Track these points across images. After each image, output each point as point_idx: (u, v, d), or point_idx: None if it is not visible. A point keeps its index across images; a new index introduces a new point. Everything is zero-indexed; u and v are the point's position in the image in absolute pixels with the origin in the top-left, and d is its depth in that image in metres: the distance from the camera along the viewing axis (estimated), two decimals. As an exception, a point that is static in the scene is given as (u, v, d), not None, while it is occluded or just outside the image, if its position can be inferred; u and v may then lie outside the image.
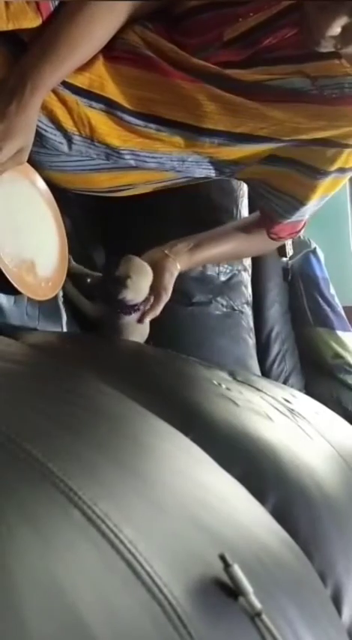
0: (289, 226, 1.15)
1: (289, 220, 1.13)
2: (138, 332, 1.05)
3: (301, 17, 0.87)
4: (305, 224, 1.19)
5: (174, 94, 0.93)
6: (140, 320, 1.03)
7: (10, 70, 0.82)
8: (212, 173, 1.06)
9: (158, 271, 1.05)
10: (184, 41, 0.92)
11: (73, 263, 1.01)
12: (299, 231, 1.21)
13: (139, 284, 0.99)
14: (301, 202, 1.09)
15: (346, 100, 0.95)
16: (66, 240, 0.96)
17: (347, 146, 1.01)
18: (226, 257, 1.21)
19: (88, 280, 1.03)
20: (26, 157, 0.84)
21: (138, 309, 1.01)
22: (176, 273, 1.09)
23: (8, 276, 0.82)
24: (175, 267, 1.09)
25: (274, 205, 1.11)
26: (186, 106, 0.94)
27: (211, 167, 1.04)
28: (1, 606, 0.28)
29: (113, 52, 0.91)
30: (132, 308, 1.00)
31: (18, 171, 0.89)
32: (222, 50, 0.92)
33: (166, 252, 1.10)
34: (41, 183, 0.93)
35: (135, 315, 1.02)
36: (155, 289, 1.04)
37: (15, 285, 0.83)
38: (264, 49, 0.91)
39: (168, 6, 0.94)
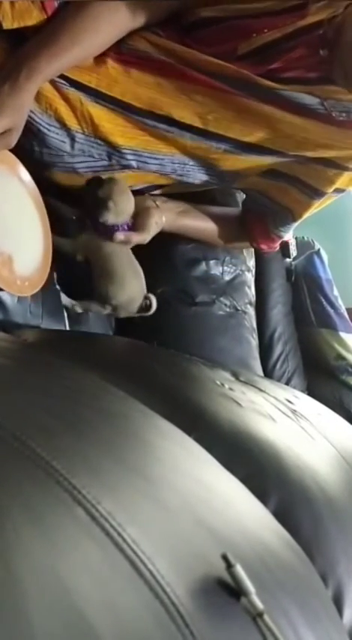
0: (272, 239, 1.18)
1: (276, 232, 1.15)
2: (126, 262, 1.02)
3: (335, 65, 0.89)
4: (280, 244, 1.22)
5: (186, 97, 0.93)
6: (124, 242, 1.00)
7: (9, 58, 0.81)
8: (211, 179, 1.06)
9: (144, 215, 1.03)
10: (197, 49, 0.92)
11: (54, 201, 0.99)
12: (276, 248, 1.24)
13: (121, 206, 0.96)
14: (294, 218, 1.11)
15: None
16: (51, 244, 0.94)
17: (347, 169, 1.02)
18: (203, 236, 1.19)
19: (74, 218, 1.01)
20: (14, 141, 0.82)
21: (119, 230, 0.99)
22: (160, 225, 1.07)
23: None
24: (161, 219, 1.07)
25: (270, 215, 1.12)
26: (198, 110, 0.94)
27: (211, 174, 1.04)
28: (6, 604, 0.28)
29: (122, 56, 0.91)
30: (112, 229, 0.98)
31: (9, 168, 0.88)
32: (235, 63, 0.92)
33: (157, 203, 1.08)
34: (31, 183, 0.92)
35: (118, 240, 0.99)
36: (137, 227, 1.02)
37: None
38: (276, 69, 0.92)
39: (180, 15, 0.93)
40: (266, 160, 1.01)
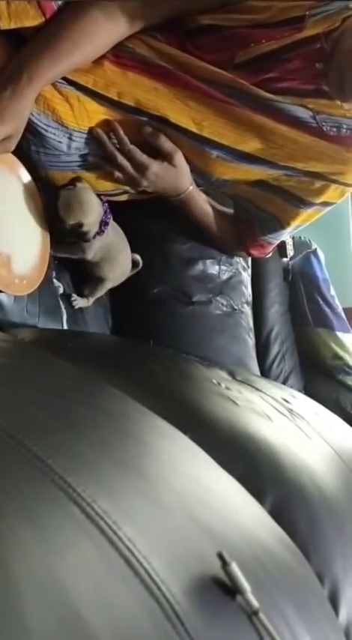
0: (261, 245, 1.18)
1: (265, 239, 1.15)
2: (116, 242, 1.03)
3: (331, 76, 0.90)
4: (272, 250, 1.22)
5: (181, 103, 0.93)
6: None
7: (10, 60, 0.81)
8: (200, 182, 1.07)
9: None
10: (196, 55, 0.93)
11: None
12: (267, 254, 1.23)
13: (92, 219, 0.95)
14: (282, 225, 1.12)
15: (342, 140, 0.98)
16: (49, 240, 0.94)
17: (335, 182, 1.04)
18: (205, 224, 1.18)
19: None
20: (13, 146, 0.83)
21: (106, 223, 0.98)
22: (189, 180, 1.04)
23: None
24: (191, 179, 1.05)
25: (256, 221, 1.13)
26: (193, 116, 0.94)
27: (202, 178, 1.05)
28: (2, 603, 0.28)
29: (121, 58, 0.91)
30: (99, 232, 0.98)
31: (8, 168, 0.88)
32: (232, 72, 0.92)
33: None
34: (31, 183, 0.92)
35: (107, 231, 0.99)
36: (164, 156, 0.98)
37: None
38: (273, 78, 0.92)
39: (180, 21, 0.94)
40: (257, 170, 1.02)
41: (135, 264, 1.10)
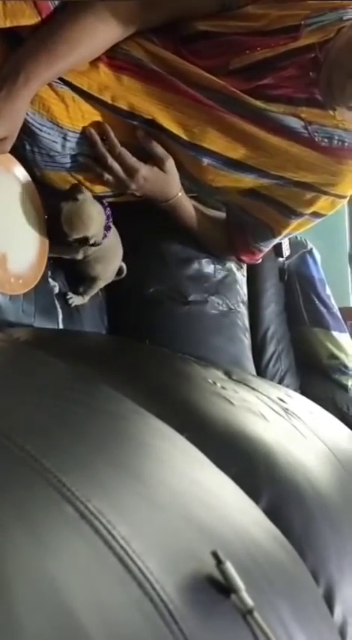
0: (252, 251, 1.18)
1: (256, 245, 1.16)
2: (111, 245, 1.03)
3: (321, 77, 0.90)
4: (262, 256, 1.22)
5: (173, 108, 0.94)
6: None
7: (5, 60, 0.81)
8: (193, 189, 1.07)
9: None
10: (191, 60, 0.93)
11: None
12: (257, 260, 1.24)
13: (96, 231, 0.94)
14: (274, 234, 1.12)
15: (333, 151, 0.98)
16: (46, 240, 0.94)
17: (325, 193, 1.04)
18: (194, 229, 1.18)
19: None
20: (8, 147, 0.82)
21: (109, 227, 0.99)
22: (178, 186, 1.04)
23: None
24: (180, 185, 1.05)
25: (248, 228, 1.13)
26: (185, 122, 0.95)
27: (194, 184, 1.05)
28: (-7, 601, 0.28)
29: (115, 60, 0.91)
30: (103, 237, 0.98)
31: (5, 167, 0.88)
32: (226, 78, 0.93)
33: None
34: (28, 181, 0.92)
35: (109, 235, 1.00)
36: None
37: None
38: (266, 85, 0.93)
39: (177, 26, 0.94)
40: (248, 179, 1.02)
41: (119, 271, 1.09)
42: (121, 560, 0.35)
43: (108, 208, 0.99)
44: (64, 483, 0.38)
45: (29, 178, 0.92)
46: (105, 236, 0.98)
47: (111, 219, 1.00)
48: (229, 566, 0.37)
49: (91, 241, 0.94)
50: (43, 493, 0.37)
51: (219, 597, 0.37)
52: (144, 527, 0.39)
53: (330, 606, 0.54)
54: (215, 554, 0.38)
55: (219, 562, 0.38)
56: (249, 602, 0.37)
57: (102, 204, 0.98)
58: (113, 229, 1.03)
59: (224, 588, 0.37)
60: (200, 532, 0.42)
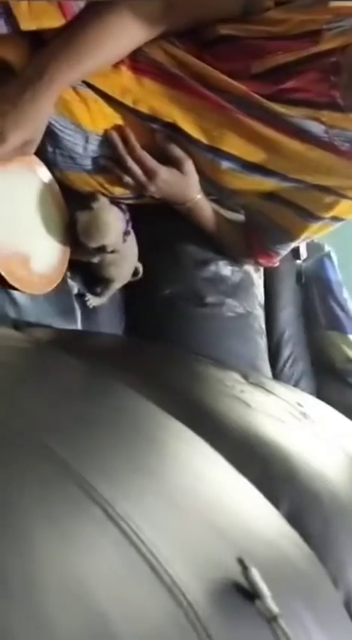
0: (269, 255, 1.18)
1: (273, 249, 1.16)
2: (129, 247, 1.03)
3: (342, 81, 0.90)
4: (279, 259, 1.22)
5: (194, 112, 0.94)
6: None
7: (29, 61, 0.82)
8: (212, 192, 1.07)
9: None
10: (213, 64, 0.93)
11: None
12: (275, 263, 1.24)
13: (113, 239, 0.94)
14: (291, 238, 1.12)
15: None
16: (67, 240, 0.94)
17: (345, 197, 1.03)
18: (214, 231, 1.19)
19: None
20: (32, 150, 0.83)
21: (128, 232, 0.99)
22: (197, 188, 1.05)
23: None
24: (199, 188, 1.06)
25: (266, 232, 1.13)
26: (205, 126, 0.95)
27: (213, 187, 1.05)
28: (27, 603, 0.28)
29: (138, 64, 0.92)
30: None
31: (29, 168, 0.89)
32: (248, 82, 0.93)
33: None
34: (52, 182, 0.93)
35: (128, 240, 1.00)
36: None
37: (0, 272, 0.81)
38: (288, 89, 0.93)
39: (199, 29, 0.94)
40: (267, 182, 1.02)
41: (135, 272, 1.09)
42: (149, 563, 0.35)
43: (127, 213, 0.99)
44: (90, 484, 0.39)
45: (53, 180, 0.92)
46: (124, 241, 0.98)
47: (130, 224, 1.00)
48: (254, 573, 0.38)
49: (109, 249, 0.94)
50: (70, 494, 0.38)
51: (244, 603, 0.37)
52: (169, 531, 0.39)
53: (350, 613, 0.54)
54: (240, 561, 0.38)
55: (244, 568, 0.38)
56: (274, 608, 0.37)
57: (120, 208, 0.98)
58: (132, 239, 1.03)
59: (249, 594, 0.37)
60: (224, 537, 0.43)
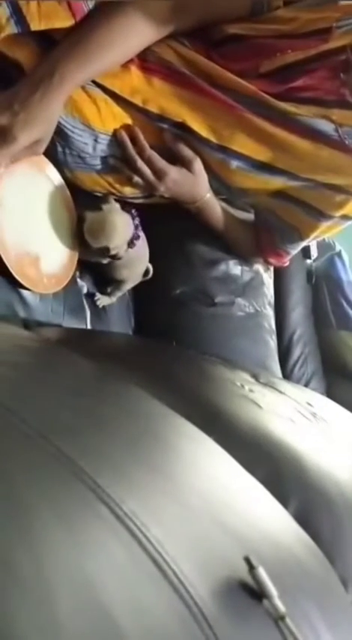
0: (279, 254, 1.18)
1: (283, 248, 1.16)
2: (140, 250, 1.04)
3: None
4: (289, 259, 1.22)
5: (203, 112, 0.94)
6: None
7: (40, 62, 0.82)
8: (221, 191, 1.07)
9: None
10: (222, 63, 0.93)
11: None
12: (285, 263, 1.23)
13: (118, 242, 0.94)
14: (301, 237, 1.12)
15: None
16: (77, 240, 0.95)
17: None
18: (223, 230, 1.19)
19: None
20: (42, 150, 0.84)
21: (138, 237, 0.99)
22: (206, 187, 1.05)
23: (6, 262, 0.81)
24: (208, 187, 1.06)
25: (276, 231, 1.13)
26: (214, 125, 0.95)
27: (222, 187, 1.05)
28: (35, 601, 0.28)
29: (147, 63, 0.92)
30: (130, 246, 0.98)
31: (38, 168, 0.89)
32: (257, 81, 0.93)
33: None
34: (60, 182, 0.93)
35: (137, 244, 1.00)
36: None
37: (11, 271, 0.82)
38: (297, 87, 0.93)
39: (208, 29, 0.94)
40: (277, 181, 1.02)
41: (146, 272, 1.10)
42: (156, 562, 0.35)
43: (137, 218, 0.99)
44: (98, 484, 0.39)
45: (62, 180, 0.93)
46: (133, 246, 0.98)
47: (140, 228, 1.00)
48: (262, 572, 0.37)
49: (112, 252, 0.94)
50: (79, 493, 0.38)
51: (251, 602, 0.37)
52: (176, 530, 0.39)
53: (359, 613, 0.54)
54: (247, 560, 0.38)
55: (251, 567, 0.38)
56: (282, 608, 0.37)
57: (130, 214, 0.98)
58: (143, 240, 1.03)
59: (256, 594, 0.37)
60: (232, 536, 0.43)
